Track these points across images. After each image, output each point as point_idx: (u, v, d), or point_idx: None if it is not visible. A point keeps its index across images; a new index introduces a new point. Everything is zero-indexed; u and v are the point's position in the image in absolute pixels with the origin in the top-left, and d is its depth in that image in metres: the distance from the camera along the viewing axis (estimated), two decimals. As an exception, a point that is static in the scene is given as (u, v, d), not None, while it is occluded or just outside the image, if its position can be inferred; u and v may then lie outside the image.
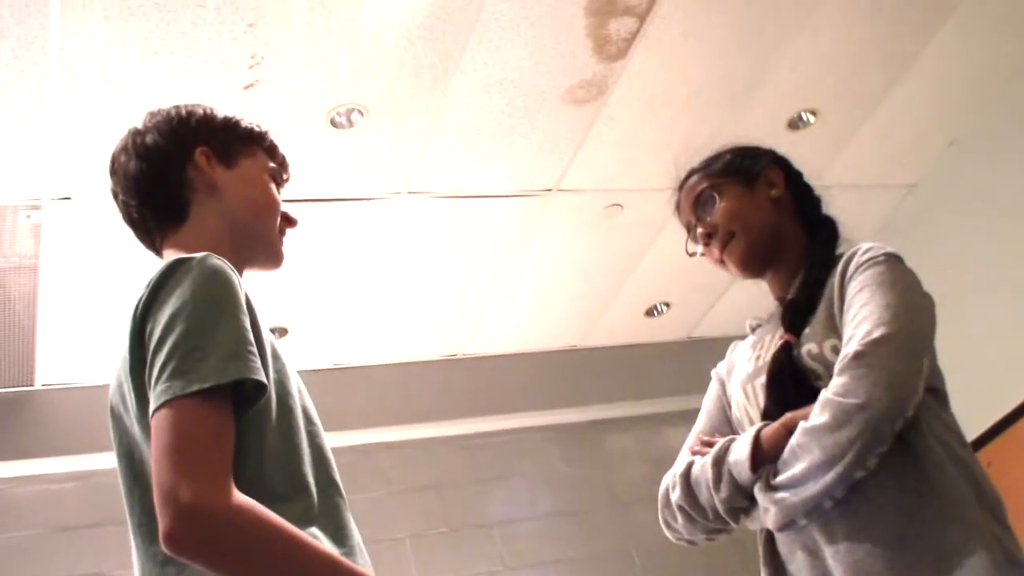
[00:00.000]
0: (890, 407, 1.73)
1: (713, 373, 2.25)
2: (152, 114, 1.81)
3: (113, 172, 1.80)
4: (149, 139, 1.77)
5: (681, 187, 2.24)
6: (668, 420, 5.06)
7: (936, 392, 1.91)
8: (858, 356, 1.77)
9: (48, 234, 3.52)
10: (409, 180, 3.78)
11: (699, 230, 2.16)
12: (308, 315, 4.30)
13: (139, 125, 1.81)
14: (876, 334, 1.78)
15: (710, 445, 1.97)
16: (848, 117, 4.11)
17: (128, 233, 1.80)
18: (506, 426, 4.82)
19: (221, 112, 1.84)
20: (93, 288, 3.78)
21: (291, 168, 1.91)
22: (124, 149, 1.79)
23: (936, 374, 1.92)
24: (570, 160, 3.90)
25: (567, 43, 3.38)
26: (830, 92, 3.93)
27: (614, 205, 4.19)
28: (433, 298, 4.45)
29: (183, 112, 1.80)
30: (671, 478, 2.03)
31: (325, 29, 3.10)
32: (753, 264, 2.13)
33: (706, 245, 2.16)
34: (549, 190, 4.03)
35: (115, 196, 1.81)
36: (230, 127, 1.82)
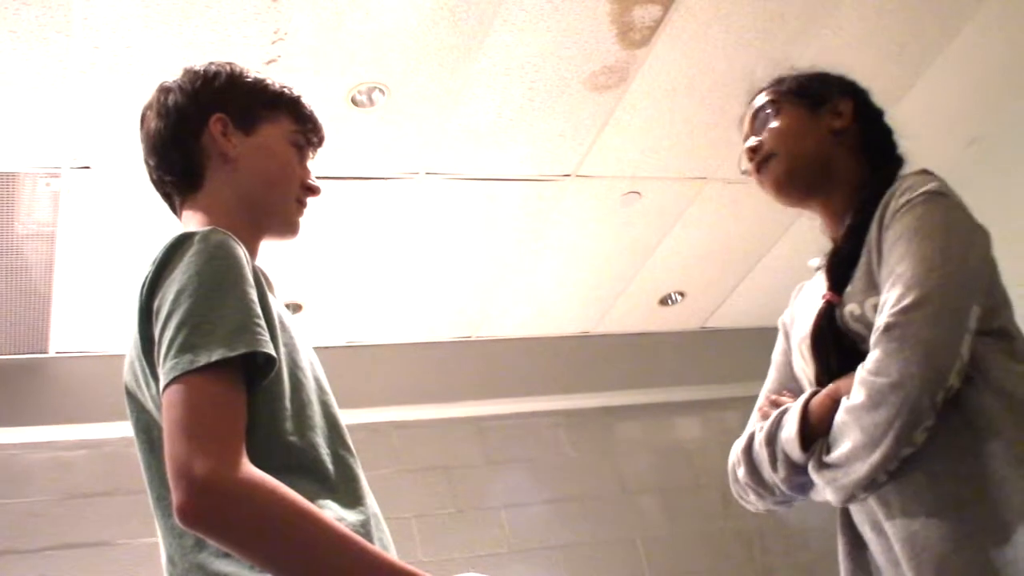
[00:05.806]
0: (926, 382, 1.62)
1: (779, 323, 2.14)
2: (184, 71, 1.78)
3: (140, 129, 1.78)
4: (171, 99, 1.75)
5: (751, 102, 2.15)
6: (678, 410, 5.07)
7: (1000, 333, 1.77)
8: (889, 328, 1.67)
9: (67, 202, 3.53)
10: (428, 161, 3.78)
11: (745, 144, 2.05)
12: (322, 292, 4.31)
13: (169, 81, 1.78)
14: (907, 300, 1.68)
15: (777, 405, 1.91)
16: (870, 112, 4.08)
17: (145, 204, 1.81)
18: (516, 409, 4.83)
19: (252, 74, 1.79)
20: (110, 258, 3.79)
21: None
22: (151, 106, 1.77)
23: (996, 315, 1.79)
24: (589, 146, 3.89)
25: (590, 29, 3.37)
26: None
27: (632, 192, 4.18)
28: (448, 280, 4.45)
29: (210, 72, 1.77)
30: (735, 455, 1.97)
31: (349, 6, 3.09)
32: (789, 191, 2.02)
33: (750, 161, 2.04)
34: (567, 175, 4.02)
35: (144, 158, 1.79)
36: (256, 92, 1.78)
